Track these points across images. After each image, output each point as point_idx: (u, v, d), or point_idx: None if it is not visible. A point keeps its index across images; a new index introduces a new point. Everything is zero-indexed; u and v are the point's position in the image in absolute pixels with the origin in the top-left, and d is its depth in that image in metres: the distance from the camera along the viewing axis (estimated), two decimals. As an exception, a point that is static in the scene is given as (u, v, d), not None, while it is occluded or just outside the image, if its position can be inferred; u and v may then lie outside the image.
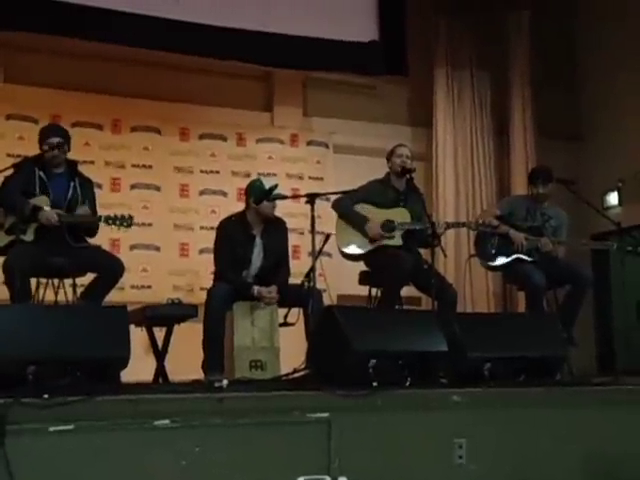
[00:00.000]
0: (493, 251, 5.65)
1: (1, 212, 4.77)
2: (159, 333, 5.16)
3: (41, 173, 4.81)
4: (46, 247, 4.67)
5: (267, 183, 5.20)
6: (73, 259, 4.77)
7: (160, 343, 5.11)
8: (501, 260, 5.66)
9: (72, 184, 4.87)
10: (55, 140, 4.85)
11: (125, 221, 4.87)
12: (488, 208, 7.50)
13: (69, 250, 4.76)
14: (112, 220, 4.85)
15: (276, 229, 5.27)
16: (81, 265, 4.83)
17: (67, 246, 4.75)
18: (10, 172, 4.82)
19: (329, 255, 5.68)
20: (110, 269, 4.78)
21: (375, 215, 5.33)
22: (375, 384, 3.72)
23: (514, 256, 5.57)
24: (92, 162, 6.76)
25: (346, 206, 5.38)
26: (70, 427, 3.15)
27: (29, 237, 4.68)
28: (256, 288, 4.97)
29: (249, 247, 5.12)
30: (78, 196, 4.86)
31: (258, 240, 5.15)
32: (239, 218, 5.25)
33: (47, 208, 4.71)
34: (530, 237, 5.57)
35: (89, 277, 4.93)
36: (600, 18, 8.44)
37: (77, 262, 4.79)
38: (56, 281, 4.99)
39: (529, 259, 5.56)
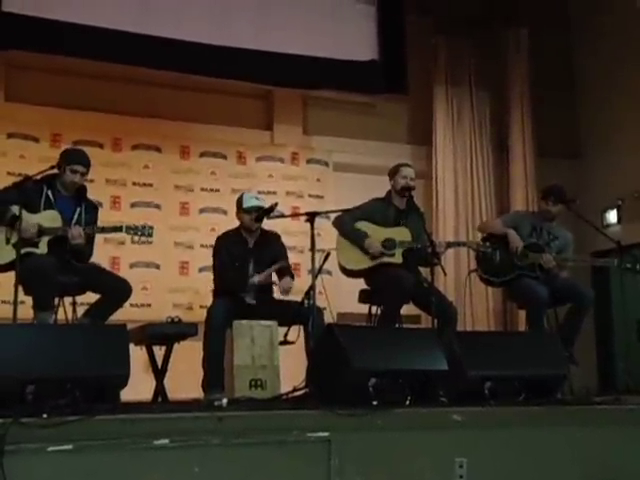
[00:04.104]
0: (495, 269, 5.64)
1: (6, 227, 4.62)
2: (159, 352, 5.15)
3: (49, 192, 4.75)
4: (57, 262, 4.60)
5: (249, 199, 5.29)
6: (81, 278, 4.74)
7: (160, 362, 5.10)
8: (503, 277, 5.66)
9: (79, 209, 4.83)
10: (81, 169, 4.81)
11: (146, 231, 4.82)
12: (488, 220, 7.50)
13: (76, 268, 4.72)
14: (134, 230, 4.82)
15: (269, 241, 5.38)
16: (88, 284, 4.78)
17: (74, 264, 4.71)
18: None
19: (329, 273, 5.67)
20: (118, 291, 4.74)
21: (376, 233, 5.34)
22: (375, 403, 3.72)
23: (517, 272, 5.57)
24: (92, 180, 6.68)
25: (346, 223, 5.40)
26: (69, 447, 3.13)
27: (42, 249, 4.61)
28: (256, 277, 5.07)
29: (247, 259, 5.21)
30: (82, 222, 4.79)
31: (252, 253, 5.25)
32: (235, 233, 5.36)
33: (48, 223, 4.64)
34: (530, 253, 5.56)
35: (88, 295, 4.91)
36: (598, 36, 8.49)
37: (85, 281, 4.75)
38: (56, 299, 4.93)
39: (531, 274, 5.56)
